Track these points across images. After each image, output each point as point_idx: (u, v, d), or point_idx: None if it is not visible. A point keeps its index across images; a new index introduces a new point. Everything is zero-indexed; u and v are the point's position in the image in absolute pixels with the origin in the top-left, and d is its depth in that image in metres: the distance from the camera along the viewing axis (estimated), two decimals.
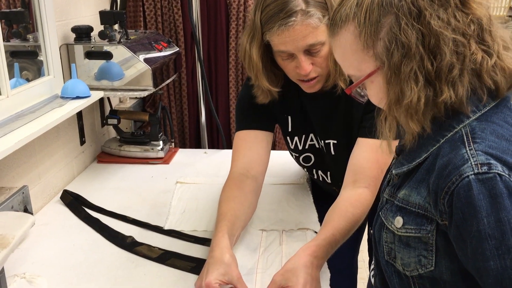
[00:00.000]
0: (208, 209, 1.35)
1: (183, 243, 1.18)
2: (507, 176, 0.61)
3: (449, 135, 0.69)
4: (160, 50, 1.65)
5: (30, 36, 1.43)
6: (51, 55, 1.38)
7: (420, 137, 0.72)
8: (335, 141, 1.22)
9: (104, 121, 1.77)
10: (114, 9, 1.72)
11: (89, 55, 1.50)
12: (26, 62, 1.47)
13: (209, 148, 2.01)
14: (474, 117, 0.68)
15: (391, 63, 0.67)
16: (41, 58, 1.43)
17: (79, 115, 1.60)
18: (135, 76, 1.60)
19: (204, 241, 1.18)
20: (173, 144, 1.83)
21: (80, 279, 1.03)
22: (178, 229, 1.24)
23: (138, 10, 2.07)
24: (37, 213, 1.33)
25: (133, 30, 1.79)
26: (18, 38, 1.40)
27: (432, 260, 0.70)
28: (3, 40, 1.17)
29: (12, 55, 1.38)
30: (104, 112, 1.79)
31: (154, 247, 1.15)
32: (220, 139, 1.98)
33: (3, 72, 1.15)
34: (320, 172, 1.34)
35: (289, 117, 1.26)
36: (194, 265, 1.07)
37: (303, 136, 1.28)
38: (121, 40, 1.50)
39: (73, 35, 1.52)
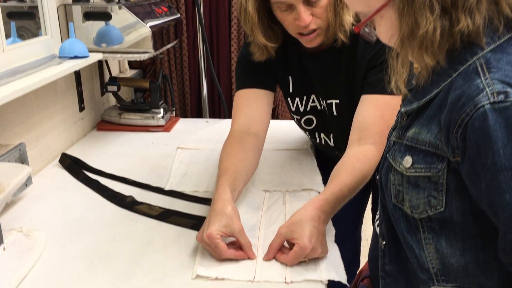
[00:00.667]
0: (210, 172, 1.32)
1: (184, 202, 1.16)
2: None
3: (462, 68, 0.65)
4: (161, 14, 1.61)
5: None
6: (48, 15, 1.35)
7: (431, 73, 0.69)
8: (337, 101, 1.19)
9: (104, 89, 1.74)
10: None
11: (88, 16, 1.46)
12: (24, 24, 1.43)
13: (210, 118, 1.98)
14: (488, 49, 0.65)
15: None
16: (38, 20, 1.39)
17: (78, 80, 1.57)
18: (134, 42, 1.57)
19: (206, 201, 1.16)
20: (174, 113, 1.79)
21: (78, 235, 1.01)
22: (179, 190, 1.22)
23: None
24: (35, 175, 1.30)
25: None
26: None
27: (442, 201, 0.67)
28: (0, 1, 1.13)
29: (9, 16, 1.34)
30: (104, 80, 1.76)
31: (155, 206, 1.12)
32: (222, 109, 1.95)
33: None
34: (322, 135, 1.31)
35: (290, 77, 1.23)
36: (195, 222, 1.05)
37: (304, 97, 1.24)
38: (121, 1, 1.46)
39: None
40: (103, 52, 1.47)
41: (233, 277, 0.86)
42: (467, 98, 0.61)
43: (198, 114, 2.16)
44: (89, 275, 0.88)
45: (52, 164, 1.38)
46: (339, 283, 0.86)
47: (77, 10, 1.45)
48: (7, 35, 1.22)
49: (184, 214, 1.09)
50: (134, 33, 1.52)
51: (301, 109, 1.26)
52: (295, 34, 1.08)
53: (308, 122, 1.29)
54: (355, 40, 1.10)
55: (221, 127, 1.71)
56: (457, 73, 0.66)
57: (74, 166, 1.34)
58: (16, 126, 1.23)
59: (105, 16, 1.45)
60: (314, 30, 1.05)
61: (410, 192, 0.70)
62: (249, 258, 0.90)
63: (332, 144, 1.31)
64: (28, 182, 1.15)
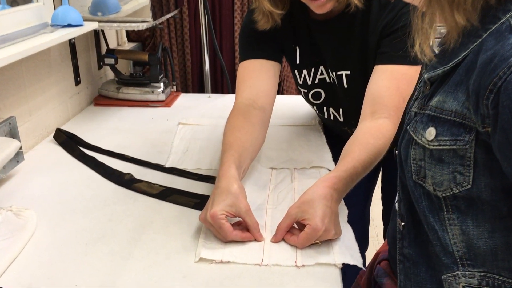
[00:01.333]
0: (213, 148, 1.25)
1: (186, 180, 1.09)
2: None
3: (493, 27, 0.57)
4: None
5: None
6: None
7: (461, 34, 0.61)
8: (348, 72, 1.11)
9: (101, 62, 1.66)
10: None
11: None
12: None
13: (212, 93, 1.90)
14: None
15: None
16: None
17: (73, 52, 1.49)
18: (132, 11, 1.48)
19: (209, 179, 1.09)
20: (174, 87, 1.71)
21: (73, 214, 0.94)
22: (180, 167, 1.15)
23: None
24: (28, 152, 1.23)
25: None
26: None
27: (469, 177, 0.60)
28: None
29: None
30: (101, 53, 1.68)
31: (154, 184, 1.06)
32: (225, 83, 1.87)
33: None
34: (331, 110, 1.23)
35: (297, 48, 1.14)
36: (198, 201, 0.98)
37: (312, 69, 1.16)
38: None
39: None
40: (99, 21, 1.38)
41: (239, 260, 0.79)
42: (500, 59, 0.53)
43: (200, 89, 2.08)
44: (84, 257, 0.81)
45: (46, 140, 1.31)
46: (354, 266, 0.79)
47: None
48: None
49: (185, 193, 1.02)
50: (132, 1, 1.43)
51: (309, 82, 1.18)
52: None
53: (316, 96, 1.21)
54: (368, 4, 1.02)
55: (224, 102, 1.64)
56: (487, 33, 0.58)
57: (70, 142, 1.27)
58: (6, 99, 1.16)
59: None
60: None
61: (433, 167, 0.63)
62: (256, 239, 0.84)
63: (341, 119, 1.23)
64: (19, 158, 1.08)
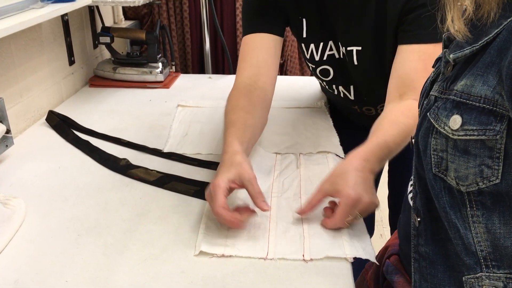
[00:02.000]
0: (213, 132, 1.18)
1: (185, 166, 1.03)
2: None
3: None
4: None
5: None
6: None
7: (497, 6, 0.53)
8: (359, 48, 1.03)
9: (96, 41, 1.58)
10: None
11: None
12: None
13: (213, 74, 1.83)
14: None
15: None
16: None
17: (67, 30, 1.41)
18: None
19: (209, 165, 1.03)
20: (173, 68, 1.64)
21: (64, 202, 0.89)
22: (180, 152, 1.08)
23: None
24: (18, 136, 1.17)
25: None
26: None
27: (498, 171, 0.53)
28: None
29: None
30: (96, 31, 1.60)
31: (152, 170, 1.00)
32: (226, 64, 1.80)
33: None
34: (341, 88, 1.16)
35: (304, 20, 1.07)
36: (198, 189, 0.92)
37: (321, 44, 1.09)
38: None
39: None
40: None
41: (242, 254, 0.73)
42: None
43: (200, 69, 2.01)
44: (75, 250, 0.76)
45: (38, 123, 1.25)
46: (359, 258, 0.74)
47: None
48: None
49: (185, 180, 0.96)
50: None
51: (317, 58, 1.11)
52: None
53: (325, 73, 1.14)
54: None
55: (225, 83, 1.57)
56: None
57: (63, 125, 1.21)
58: None
59: None
60: None
61: (456, 159, 0.56)
62: (260, 208, 0.77)
63: (352, 97, 1.16)
64: (8, 142, 1.02)
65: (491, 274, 0.56)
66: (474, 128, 0.53)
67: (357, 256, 0.73)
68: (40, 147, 1.11)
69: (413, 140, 0.67)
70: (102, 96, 1.45)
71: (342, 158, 1.06)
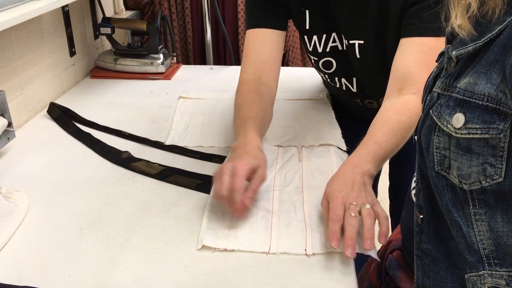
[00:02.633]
0: (215, 124, 1.18)
1: (187, 159, 1.03)
2: None
3: None
4: None
5: None
6: None
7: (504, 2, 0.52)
8: (362, 42, 1.03)
9: (97, 32, 1.57)
10: None
11: None
12: None
13: (215, 65, 1.82)
14: None
15: None
16: None
17: (67, 21, 1.40)
18: None
19: (211, 158, 1.03)
20: (175, 59, 1.63)
21: (66, 196, 0.89)
22: (181, 144, 1.08)
23: None
24: (20, 128, 1.17)
25: None
26: None
27: (501, 169, 0.53)
28: None
29: None
30: (97, 22, 1.59)
31: (154, 163, 0.99)
32: (228, 55, 1.78)
33: None
34: (343, 80, 1.15)
35: (307, 11, 1.06)
36: (200, 182, 0.92)
37: (324, 35, 1.08)
38: None
39: None
40: None
41: (245, 248, 0.73)
42: None
43: (202, 60, 1.99)
44: (77, 244, 0.76)
45: (40, 115, 1.24)
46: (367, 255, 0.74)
47: None
48: None
49: (187, 173, 0.96)
50: None
51: (320, 50, 1.10)
52: None
53: (327, 65, 1.13)
54: None
55: (227, 74, 1.56)
56: None
57: (64, 117, 1.20)
58: None
59: None
60: None
61: (459, 158, 0.55)
62: (241, 202, 0.77)
63: (354, 90, 1.16)
64: (9, 135, 1.01)
65: (494, 272, 0.56)
66: (477, 126, 0.53)
67: (359, 252, 0.73)
68: (42, 140, 1.10)
69: (415, 137, 0.67)
70: (103, 87, 1.44)
71: (344, 151, 1.05)
